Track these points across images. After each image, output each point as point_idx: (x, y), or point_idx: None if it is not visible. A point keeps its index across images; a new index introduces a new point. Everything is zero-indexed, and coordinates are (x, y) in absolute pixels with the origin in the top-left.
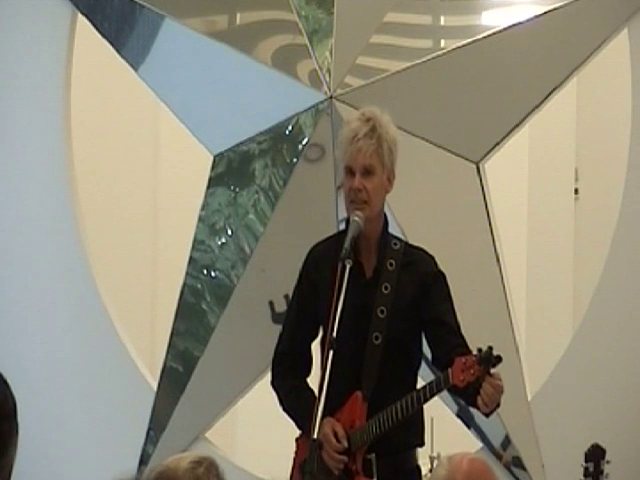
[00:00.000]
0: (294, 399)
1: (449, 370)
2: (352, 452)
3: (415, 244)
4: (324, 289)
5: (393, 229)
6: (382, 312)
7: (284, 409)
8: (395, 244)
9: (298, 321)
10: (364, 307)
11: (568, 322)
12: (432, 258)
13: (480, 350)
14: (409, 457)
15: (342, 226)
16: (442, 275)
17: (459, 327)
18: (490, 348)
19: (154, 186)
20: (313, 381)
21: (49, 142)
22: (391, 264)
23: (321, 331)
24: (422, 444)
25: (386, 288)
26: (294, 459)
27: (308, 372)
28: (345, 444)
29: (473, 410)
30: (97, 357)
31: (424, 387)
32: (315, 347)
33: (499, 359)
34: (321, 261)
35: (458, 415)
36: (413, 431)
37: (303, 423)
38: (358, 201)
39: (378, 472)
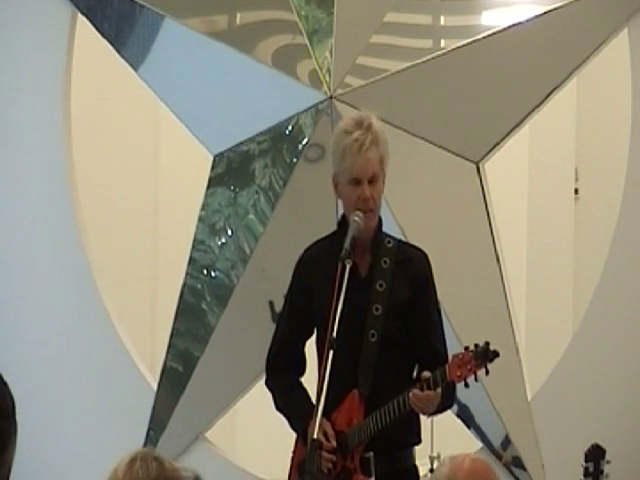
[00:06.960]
0: (286, 398)
1: (446, 366)
2: (350, 451)
3: (415, 244)
4: (319, 290)
5: (393, 229)
6: (377, 310)
7: (277, 408)
8: (389, 242)
9: (291, 322)
10: (359, 305)
11: (568, 322)
12: (425, 256)
13: (477, 345)
14: (406, 455)
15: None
16: (431, 278)
17: (444, 336)
18: (487, 343)
19: (154, 186)
20: (309, 381)
21: (49, 142)
22: (385, 262)
23: (315, 331)
24: (419, 442)
25: (381, 286)
26: (292, 459)
27: (302, 372)
28: (334, 443)
29: (473, 410)
30: (97, 357)
31: (420, 384)
32: (309, 347)
33: (496, 354)
34: (315, 263)
35: (458, 415)
36: (410, 429)
37: (295, 421)
38: (366, 210)
39: (376, 470)
